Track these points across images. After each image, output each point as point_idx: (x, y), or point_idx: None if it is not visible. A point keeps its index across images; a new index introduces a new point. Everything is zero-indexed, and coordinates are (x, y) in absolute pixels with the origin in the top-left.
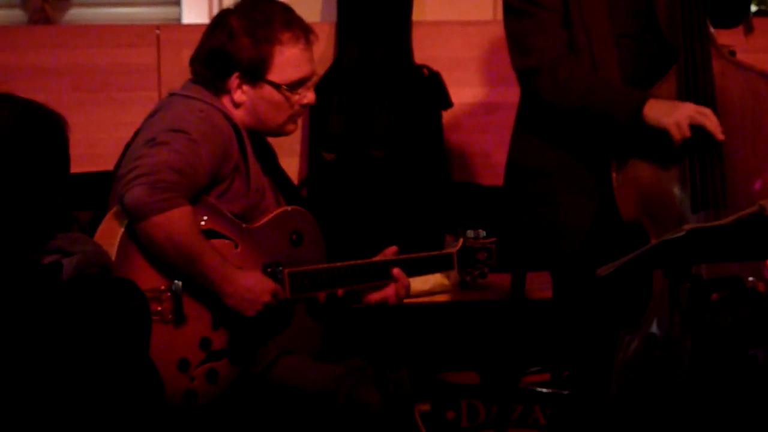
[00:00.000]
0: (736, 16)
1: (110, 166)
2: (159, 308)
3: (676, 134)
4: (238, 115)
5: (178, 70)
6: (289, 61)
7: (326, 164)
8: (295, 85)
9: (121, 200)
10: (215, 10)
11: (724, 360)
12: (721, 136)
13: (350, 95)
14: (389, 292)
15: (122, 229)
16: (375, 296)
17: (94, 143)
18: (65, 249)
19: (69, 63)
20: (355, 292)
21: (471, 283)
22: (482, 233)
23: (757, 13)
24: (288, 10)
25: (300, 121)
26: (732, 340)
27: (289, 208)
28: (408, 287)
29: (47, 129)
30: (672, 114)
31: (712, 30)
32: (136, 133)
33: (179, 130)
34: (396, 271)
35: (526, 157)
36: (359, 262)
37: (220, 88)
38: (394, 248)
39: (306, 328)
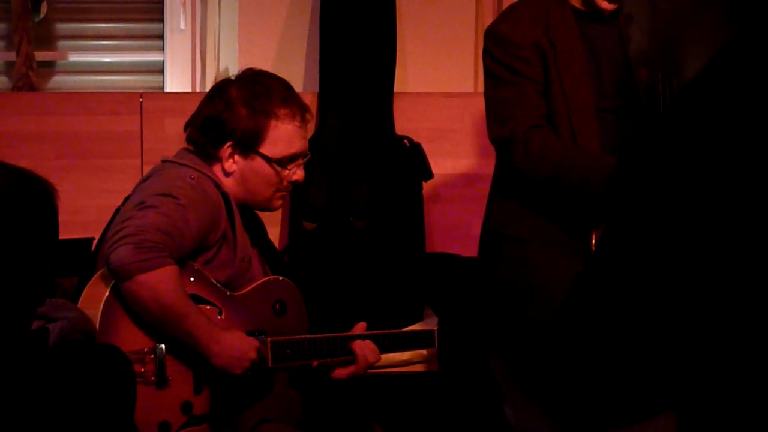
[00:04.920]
0: None
1: (93, 233)
2: (142, 370)
3: None
4: (228, 184)
5: (161, 138)
6: (282, 137)
7: (307, 234)
8: (286, 161)
9: (107, 261)
10: (198, 79)
11: None
12: None
13: (331, 165)
14: (357, 368)
15: (108, 290)
16: (344, 372)
17: (78, 210)
18: (49, 315)
19: (53, 130)
20: (325, 366)
21: None
22: None
23: None
24: (288, 86)
25: None
26: None
27: (273, 277)
28: (371, 363)
29: (38, 196)
30: None
31: None
32: (127, 198)
33: (168, 195)
34: (357, 346)
35: (503, 224)
36: (341, 335)
37: (212, 156)
38: (362, 324)
39: (286, 398)
